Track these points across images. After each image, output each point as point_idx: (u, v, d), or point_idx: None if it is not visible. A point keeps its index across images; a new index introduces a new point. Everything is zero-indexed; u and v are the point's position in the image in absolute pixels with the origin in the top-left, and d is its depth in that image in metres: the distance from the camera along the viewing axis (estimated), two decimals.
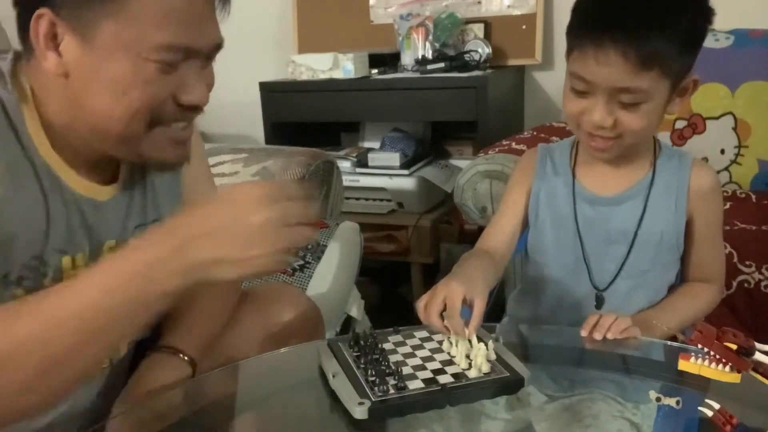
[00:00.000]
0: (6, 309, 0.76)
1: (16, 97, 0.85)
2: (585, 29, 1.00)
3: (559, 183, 1.15)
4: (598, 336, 0.99)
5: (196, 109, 0.88)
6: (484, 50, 2.58)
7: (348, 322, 1.68)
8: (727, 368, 0.77)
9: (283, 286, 1.42)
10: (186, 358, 0.99)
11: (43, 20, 0.80)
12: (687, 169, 1.10)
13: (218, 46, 0.88)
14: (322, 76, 2.60)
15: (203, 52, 0.86)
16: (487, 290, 0.97)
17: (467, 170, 1.91)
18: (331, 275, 1.58)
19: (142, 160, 0.90)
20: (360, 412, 0.81)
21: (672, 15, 0.97)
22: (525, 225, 1.20)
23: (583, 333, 1.00)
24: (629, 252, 1.11)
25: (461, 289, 0.91)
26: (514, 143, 2.02)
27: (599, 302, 1.13)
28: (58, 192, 0.87)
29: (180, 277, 0.77)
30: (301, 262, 1.56)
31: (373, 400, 0.82)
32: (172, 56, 0.82)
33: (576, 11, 1.03)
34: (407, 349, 0.95)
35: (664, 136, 2.08)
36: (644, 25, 0.96)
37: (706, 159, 2.04)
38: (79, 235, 0.90)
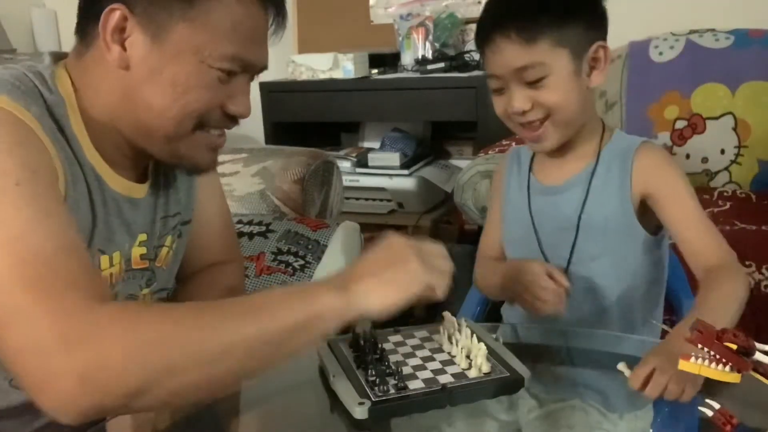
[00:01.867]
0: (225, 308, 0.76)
1: (62, 99, 0.88)
2: (480, 33, 1.10)
3: (519, 179, 1.20)
4: (654, 395, 0.83)
5: (237, 119, 0.93)
6: None
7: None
8: (727, 368, 0.77)
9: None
10: None
11: (115, 14, 0.83)
12: (631, 152, 1.10)
13: (264, 67, 0.94)
14: (322, 76, 2.61)
15: (256, 69, 0.92)
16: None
17: (467, 170, 1.92)
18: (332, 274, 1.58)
19: (176, 160, 0.93)
20: (360, 412, 0.81)
21: None
22: None
23: (635, 386, 0.84)
24: (576, 238, 1.12)
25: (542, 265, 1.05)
26: (514, 143, 2.02)
27: None
28: (100, 192, 0.90)
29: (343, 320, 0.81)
30: (302, 262, 1.56)
31: (373, 400, 0.82)
32: (233, 67, 0.88)
33: (477, 26, 1.12)
34: (407, 349, 0.95)
35: (664, 137, 2.08)
36: (519, 7, 1.06)
37: (706, 159, 2.05)
38: (119, 234, 0.93)
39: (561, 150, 1.13)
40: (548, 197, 1.16)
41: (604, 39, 1.09)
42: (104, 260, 0.92)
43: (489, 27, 1.07)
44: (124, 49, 0.85)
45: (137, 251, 0.98)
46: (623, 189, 1.09)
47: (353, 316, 0.82)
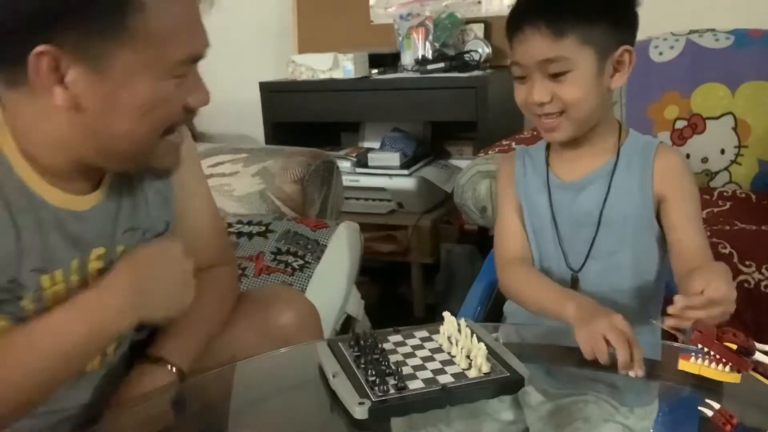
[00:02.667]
0: None
1: None
2: (510, 22, 1.12)
3: (536, 176, 1.21)
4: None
5: (196, 109, 0.90)
6: (484, 50, 2.58)
7: (348, 322, 1.68)
8: (727, 368, 0.77)
9: (281, 288, 1.41)
10: (172, 368, 0.98)
11: (44, 57, 0.77)
12: (651, 152, 1.13)
13: (208, 44, 0.90)
14: (322, 76, 2.60)
15: (202, 55, 0.88)
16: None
17: (467, 170, 1.91)
18: (331, 275, 1.58)
19: (143, 169, 0.92)
20: (360, 412, 0.81)
21: None
22: None
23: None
24: (596, 233, 1.14)
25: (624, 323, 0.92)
26: (514, 143, 2.02)
27: (574, 283, 1.16)
28: (32, 211, 0.86)
29: (130, 320, 0.89)
30: (302, 262, 1.56)
31: (373, 400, 0.82)
32: (185, 69, 0.85)
33: (508, 15, 1.13)
34: (407, 349, 0.95)
35: (664, 136, 2.08)
36: (551, 1, 1.07)
37: (706, 159, 2.05)
38: (60, 250, 0.89)
39: (576, 146, 1.15)
40: (567, 192, 1.17)
41: (632, 43, 1.10)
42: (45, 280, 0.88)
43: (519, 16, 1.09)
44: (65, 87, 0.79)
45: (95, 266, 0.93)
46: (644, 186, 1.12)
47: (137, 320, 0.90)
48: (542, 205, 1.18)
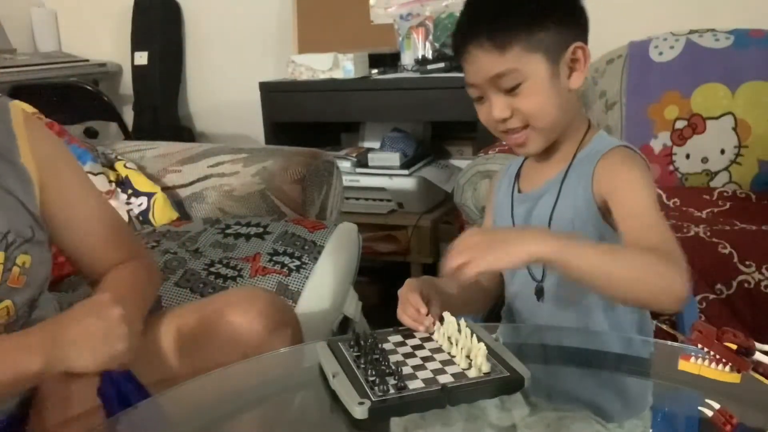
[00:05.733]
0: None
1: None
2: (455, 43, 1.11)
3: (506, 189, 1.20)
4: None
5: None
6: None
7: (345, 323, 1.68)
8: (727, 368, 0.77)
9: (252, 290, 1.33)
10: None
11: None
12: (599, 155, 1.07)
13: None
14: (322, 76, 2.60)
15: None
16: (440, 287, 1.07)
17: (467, 170, 1.92)
18: (328, 276, 1.58)
19: None
20: (360, 412, 0.81)
21: None
22: None
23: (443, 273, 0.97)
24: None
25: (417, 281, 1.04)
26: None
27: (539, 294, 1.13)
28: None
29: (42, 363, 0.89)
30: (298, 263, 1.56)
31: (373, 399, 0.82)
32: None
33: (452, 37, 1.13)
34: (407, 349, 0.95)
35: (664, 136, 2.08)
36: (487, 15, 1.05)
37: (706, 159, 2.05)
38: None
39: (545, 154, 1.12)
40: (526, 204, 1.15)
41: (584, 39, 1.07)
42: None
43: (462, 36, 1.07)
44: None
45: None
46: (586, 191, 1.07)
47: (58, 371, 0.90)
48: (505, 217, 1.17)
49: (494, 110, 1.06)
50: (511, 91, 1.04)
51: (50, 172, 1.07)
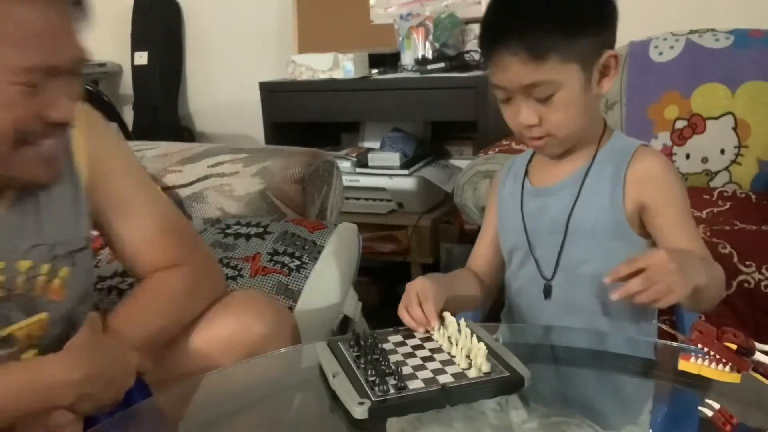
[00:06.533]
0: None
1: None
2: (484, 41, 1.06)
3: (513, 184, 1.18)
4: (614, 297, 0.91)
5: (65, 125, 0.86)
6: None
7: (344, 323, 1.68)
8: (727, 368, 0.77)
9: (253, 295, 1.28)
10: None
11: None
12: (627, 156, 1.08)
13: (80, 61, 0.86)
14: (322, 76, 2.60)
15: (66, 69, 0.84)
16: (447, 285, 1.06)
17: (467, 170, 1.92)
18: (328, 276, 1.58)
19: (7, 180, 0.88)
20: (360, 412, 0.80)
21: (546, 3, 1.01)
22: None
23: (607, 280, 0.93)
24: (563, 241, 1.10)
25: (426, 281, 1.03)
26: (514, 143, 2.02)
27: (547, 292, 1.12)
28: None
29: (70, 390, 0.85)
30: (298, 263, 1.56)
31: (373, 399, 0.82)
32: (33, 78, 0.81)
33: (479, 34, 1.09)
34: (407, 349, 0.95)
35: (664, 137, 2.08)
36: (524, 22, 1.01)
37: (706, 159, 2.05)
38: None
39: (564, 152, 1.11)
40: (539, 199, 1.13)
41: (613, 44, 1.05)
42: None
43: (494, 40, 1.03)
44: None
45: None
46: (615, 193, 1.07)
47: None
48: (514, 212, 1.16)
49: (522, 116, 1.03)
50: (542, 100, 1.01)
51: (99, 170, 1.04)
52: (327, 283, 1.57)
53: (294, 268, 1.54)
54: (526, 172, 1.18)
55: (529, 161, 1.19)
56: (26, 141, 0.84)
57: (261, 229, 1.65)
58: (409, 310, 1.01)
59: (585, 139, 1.10)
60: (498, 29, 1.04)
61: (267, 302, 1.18)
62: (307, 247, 1.60)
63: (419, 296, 1.01)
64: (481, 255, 1.24)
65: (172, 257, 1.11)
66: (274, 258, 1.55)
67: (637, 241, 1.08)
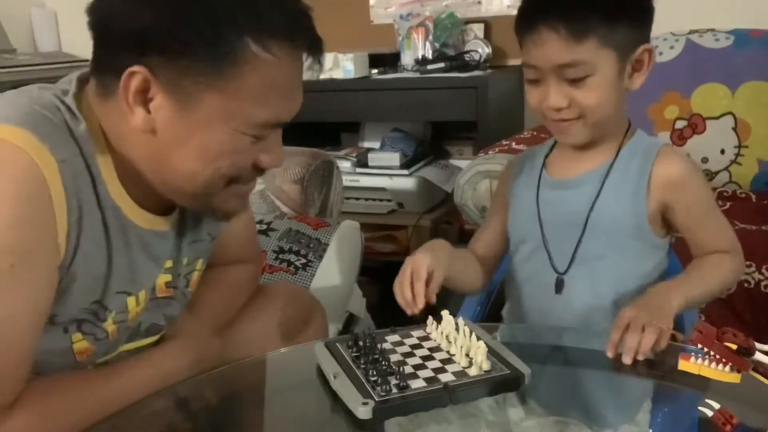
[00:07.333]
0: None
1: (90, 136, 0.84)
2: (522, 19, 1.05)
3: (529, 174, 1.18)
4: (627, 361, 0.92)
5: (264, 170, 0.91)
6: (484, 50, 2.59)
7: (350, 321, 1.68)
8: (727, 368, 0.77)
9: (287, 284, 1.42)
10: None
11: (136, 77, 0.79)
12: (651, 157, 1.08)
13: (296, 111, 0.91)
14: (322, 76, 2.60)
15: (288, 120, 0.90)
16: (447, 264, 1.05)
17: (467, 170, 1.92)
18: (333, 273, 1.58)
19: (205, 211, 0.93)
20: (364, 412, 0.80)
21: None
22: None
23: (609, 354, 0.93)
24: (582, 235, 1.10)
25: (426, 258, 1.01)
26: (514, 143, 2.03)
27: (558, 286, 1.12)
28: (122, 233, 0.88)
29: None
30: (304, 261, 1.56)
31: (376, 399, 0.82)
32: (265, 131, 0.86)
33: (519, 9, 1.08)
34: (406, 349, 0.95)
35: (664, 136, 2.08)
36: (569, 0, 1.00)
37: (706, 159, 2.05)
38: (146, 270, 0.92)
39: (585, 145, 1.10)
40: (557, 191, 1.13)
41: (648, 41, 1.06)
42: (131, 301, 0.91)
43: (534, 15, 1.02)
44: (147, 111, 0.81)
45: (163, 279, 0.96)
46: (638, 192, 1.07)
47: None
48: (529, 202, 1.15)
49: (551, 98, 1.03)
50: (574, 81, 1.01)
51: None
52: (333, 281, 1.57)
53: (300, 266, 1.54)
54: (544, 164, 1.17)
55: (548, 153, 1.18)
56: (236, 181, 0.88)
57: (264, 226, 1.65)
58: (401, 288, 1.01)
59: (610, 133, 1.10)
60: (540, 5, 1.03)
61: (302, 291, 1.27)
62: (312, 245, 1.60)
63: (412, 275, 1.00)
64: (484, 241, 1.23)
65: (248, 253, 1.17)
66: (280, 256, 1.56)
67: (650, 237, 1.09)
